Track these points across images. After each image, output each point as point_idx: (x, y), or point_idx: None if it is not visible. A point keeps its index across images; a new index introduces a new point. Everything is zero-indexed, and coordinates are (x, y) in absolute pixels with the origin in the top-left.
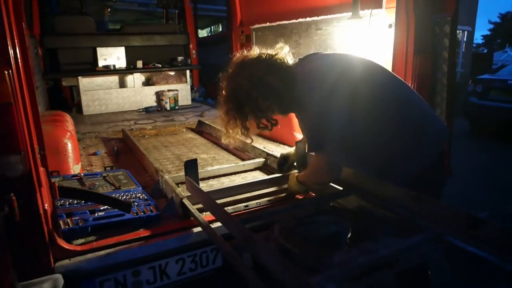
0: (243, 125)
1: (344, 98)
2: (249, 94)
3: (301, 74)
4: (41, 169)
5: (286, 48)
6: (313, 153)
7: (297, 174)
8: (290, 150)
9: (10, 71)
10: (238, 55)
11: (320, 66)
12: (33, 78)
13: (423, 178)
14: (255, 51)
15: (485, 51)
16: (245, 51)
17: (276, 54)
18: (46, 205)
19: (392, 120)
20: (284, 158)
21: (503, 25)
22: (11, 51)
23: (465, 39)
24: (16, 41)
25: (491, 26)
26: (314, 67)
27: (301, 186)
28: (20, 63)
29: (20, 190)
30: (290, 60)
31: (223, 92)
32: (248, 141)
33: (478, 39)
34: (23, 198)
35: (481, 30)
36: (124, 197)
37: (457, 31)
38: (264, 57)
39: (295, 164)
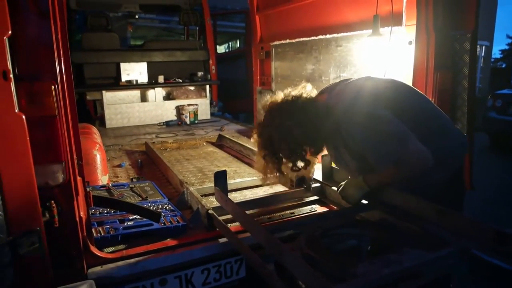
0: (278, 169)
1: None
2: (281, 142)
3: (337, 102)
4: (78, 178)
5: (309, 86)
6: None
7: (354, 179)
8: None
9: (56, 85)
10: (264, 101)
11: (352, 88)
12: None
13: (446, 190)
14: (279, 95)
15: (503, 65)
16: (270, 97)
17: (301, 95)
18: (82, 213)
19: (416, 131)
20: (301, 179)
21: None
22: (57, 66)
23: (483, 54)
24: (61, 57)
25: (510, 40)
26: (348, 92)
27: (363, 191)
28: (64, 77)
29: (59, 198)
30: (315, 94)
31: (258, 138)
32: (288, 184)
33: (496, 53)
34: (62, 206)
35: (500, 45)
36: (151, 207)
37: None
38: (290, 100)
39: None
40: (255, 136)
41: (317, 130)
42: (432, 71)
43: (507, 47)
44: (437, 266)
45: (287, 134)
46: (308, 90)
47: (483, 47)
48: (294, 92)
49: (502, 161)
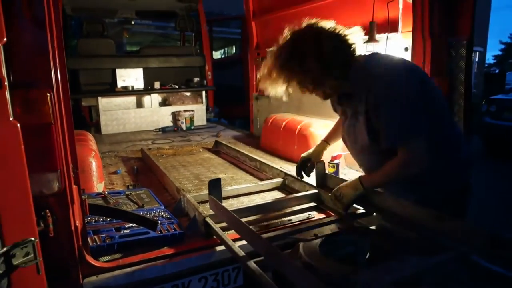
0: (288, 80)
1: (419, 95)
2: (308, 61)
3: (376, 66)
4: (74, 186)
5: (361, 34)
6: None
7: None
8: (309, 151)
9: (52, 93)
10: (310, 21)
11: (392, 59)
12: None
13: (453, 200)
14: (331, 22)
15: (496, 71)
16: (319, 19)
17: (349, 34)
18: (77, 221)
19: (440, 134)
20: (306, 160)
21: None
22: (53, 73)
23: (477, 60)
24: (57, 64)
25: (503, 46)
26: (389, 61)
27: (358, 191)
28: (60, 85)
29: (55, 207)
30: (358, 48)
31: (284, 41)
32: (284, 97)
33: (489, 59)
34: (57, 215)
35: (493, 50)
36: (148, 215)
37: None
38: (337, 32)
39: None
40: (286, 36)
41: (340, 80)
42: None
43: (500, 53)
44: (437, 272)
45: (318, 55)
46: (358, 38)
47: (477, 53)
48: (346, 30)
49: (497, 165)
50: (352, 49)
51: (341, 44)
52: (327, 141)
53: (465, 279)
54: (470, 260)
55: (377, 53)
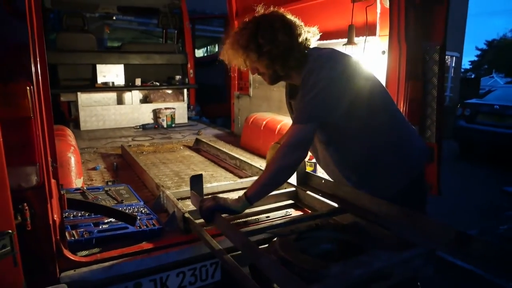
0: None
1: (349, 88)
2: (268, 41)
3: (317, 54)
4: (53, 181)
5: (317, 37)
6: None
7: None
8: (267, 158)
9: (31, 86)
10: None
11: (334, 51)
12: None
13: (406, 194)
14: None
15: (472, 76)
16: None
17: (305, 29)
18: (55, 216)
19: (385, 129)
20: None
21: (489, 51)
22: (33, 67)
23: (453, 65)
24: (37, 57)
25: (478, 52)
26: (329, 51)
27: (241, 203)
28: (40, 78)
29: (33, 201)
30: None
31: (250, 19)
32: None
33: (465, 64)
34: (35, 209)
35: (469, 56)
36: (127, 211)
37: (446, 57)
38: (293, 22)
39: None
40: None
41: (290, 61)
42: (404, 80)
43: (475, 58)
44: (405, 267)
45: (273, 44)
46: (313, 37)
47: (454, 58)
48: (305, 27)
49: (470, 167)
50: (301, 41)
51: (292, 31)
52: (279, 142)
53: (431, 273)
54: (436, 255)
55: (318, 47)
